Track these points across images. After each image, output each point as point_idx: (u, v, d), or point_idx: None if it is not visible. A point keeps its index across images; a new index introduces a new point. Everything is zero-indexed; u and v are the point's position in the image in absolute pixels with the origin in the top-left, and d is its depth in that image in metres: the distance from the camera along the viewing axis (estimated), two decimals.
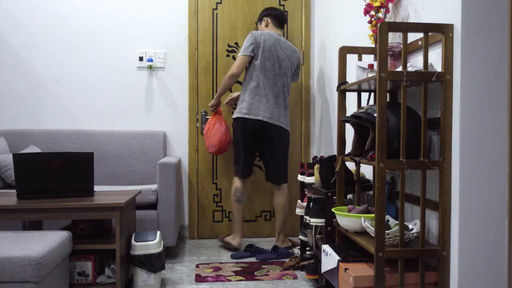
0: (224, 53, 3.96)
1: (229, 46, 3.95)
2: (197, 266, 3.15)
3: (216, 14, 3.94)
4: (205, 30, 3.93)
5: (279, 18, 3.56)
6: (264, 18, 3.57)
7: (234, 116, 3.46)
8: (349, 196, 2.85)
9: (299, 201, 2.95)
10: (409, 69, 2.01)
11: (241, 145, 3.45)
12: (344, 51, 2.52)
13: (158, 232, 2.67)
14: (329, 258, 2.28)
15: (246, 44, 3.41)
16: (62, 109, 3.84)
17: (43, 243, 2.10)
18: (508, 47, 1.88)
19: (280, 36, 3.49)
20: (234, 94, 3.72)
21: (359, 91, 2.55)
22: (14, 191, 2.62)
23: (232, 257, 3.34)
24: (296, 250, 3.21)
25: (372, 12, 2.39)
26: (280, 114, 3.42)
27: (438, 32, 1.92)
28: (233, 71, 3.43)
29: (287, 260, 3.29)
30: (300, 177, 2.92)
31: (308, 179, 2.80)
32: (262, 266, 3.13)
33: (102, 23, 3.87)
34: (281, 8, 4.01)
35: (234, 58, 3.94)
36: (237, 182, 3.49)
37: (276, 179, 3.53)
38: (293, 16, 4.03)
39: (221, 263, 3.22)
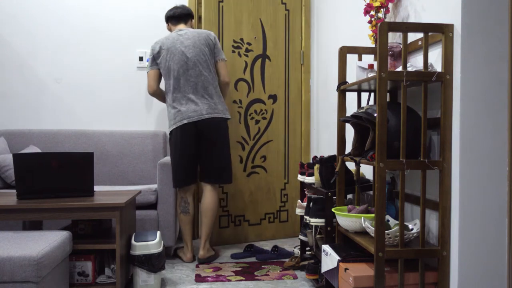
0: (230, 48, 3.81)
1: (234, 41, 3.83)
2: (197, 266, 3.15)
3: (222, 6, 3.76)
4: (211, 23, 3.73)
5: (174, 16, 3.38)
6: (166, 24, 3.45)
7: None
8: (349, 196, 2.85)
9: (299, 201, 2.95)
10: (409, 69, 2.01)
11: (175, 156, 3.20)
12: (344, 51, 2.52)
13: (158, 232, 2.67)
14: (329, 258, 2.28)
15: (148, 60, 3.34)
16: (62, 109, 3.84)
17: (43, 243, 2.10)
18: (508, 47, 1.88)
19: (181, 30, 3.29)
20: None
21: (359, 91, 2.55)
22: (14, 191, 2.62)
23: (232, 257, 3.34)
24: (296, 250, 3.21)
25: (372, 12, 2.39)
26: (205, 107, 3.17)
27: (438, 32, 1.92)
28: (148, 90, 3.34)
29: (287, 260, 3.29)
30: (300, 177, 2.92)
31: (308, 179, 2.80)
32: (262, 266, 3.13)
33: (102, 23, 3.87)
34: (283, 7, 3.99)
35: (239, 54, 3.83)
36: (179, 193, 3.25)
37: (214, 178, 3.26)
38: (293, 16, 4.02)
39: (221, 263, 3.22)
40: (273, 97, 3.96)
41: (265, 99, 3.93)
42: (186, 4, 3.91)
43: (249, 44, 3.87)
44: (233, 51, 3.81)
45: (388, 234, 1.95)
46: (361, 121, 2.16)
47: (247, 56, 3.86)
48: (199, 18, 3.98)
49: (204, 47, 3.26)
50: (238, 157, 3.85)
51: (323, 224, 2.56)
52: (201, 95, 3.20)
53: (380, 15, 2.38)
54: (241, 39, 3.84)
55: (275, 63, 3.95)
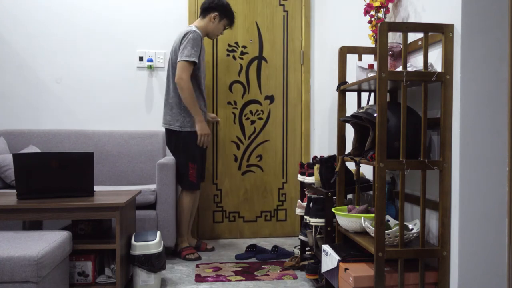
0: (224, 52, 3.93)
1: (229, 45, 3.94)
2: (197, 266, 3.15)
3: None
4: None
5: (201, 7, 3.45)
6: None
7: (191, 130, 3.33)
8: (349, 196, 2.85)
9: (299, 201, 2.95)
10: (409, 69, 2.01)
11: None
12: (344, 51, 2.52)
13: (158, 232, 2.67)
14: (329, 258, 2.28)
15: None
16: (62, 109, 3.84)
17: (43, 243, 2.10)
18: (508, 47, 1.88)
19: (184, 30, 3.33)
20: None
21: (359, 91, 2.55)
22: (14, 191, 2.62)
23: (237, 257, 3.33)
24: (296, 250, 3.21)
25: (372, 12, 2.39)
26: (165, 116, 3.39)
27: (438, 32, 1.93)
28: None
29: (287, 260, 3.28)
30: (300, 177, 2.92)
31: (308, 179, 2.80)
32: (262, 266, 3.13)
33: (102, 23, 3.87)
34: (281, 8, 4.00)
35: (234, 57, 3.93)
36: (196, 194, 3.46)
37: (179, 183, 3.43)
38: (293, 16, 4.03)
39: (221, 263, 3.22)
40: (270, 98, 4.02)
41: (261, 100, 4.01)
42: (187, 3, 3.91)
43: (244, 47, 3.97)
44: (228, 55, 3.95)
45: (388, 234, 1.95)
46: (361, 121, 2.16)
47: (242, 59, 3.97)
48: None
49: (177, 47, 3.33)
50: (233, 156, 3.97)
51: (323, 224, 2.56)
52: (164, 103, 3.40)
53: (380, 15, 2.38)
54: (236, 43, 3.95)
55: (272, 64, 4.01)
